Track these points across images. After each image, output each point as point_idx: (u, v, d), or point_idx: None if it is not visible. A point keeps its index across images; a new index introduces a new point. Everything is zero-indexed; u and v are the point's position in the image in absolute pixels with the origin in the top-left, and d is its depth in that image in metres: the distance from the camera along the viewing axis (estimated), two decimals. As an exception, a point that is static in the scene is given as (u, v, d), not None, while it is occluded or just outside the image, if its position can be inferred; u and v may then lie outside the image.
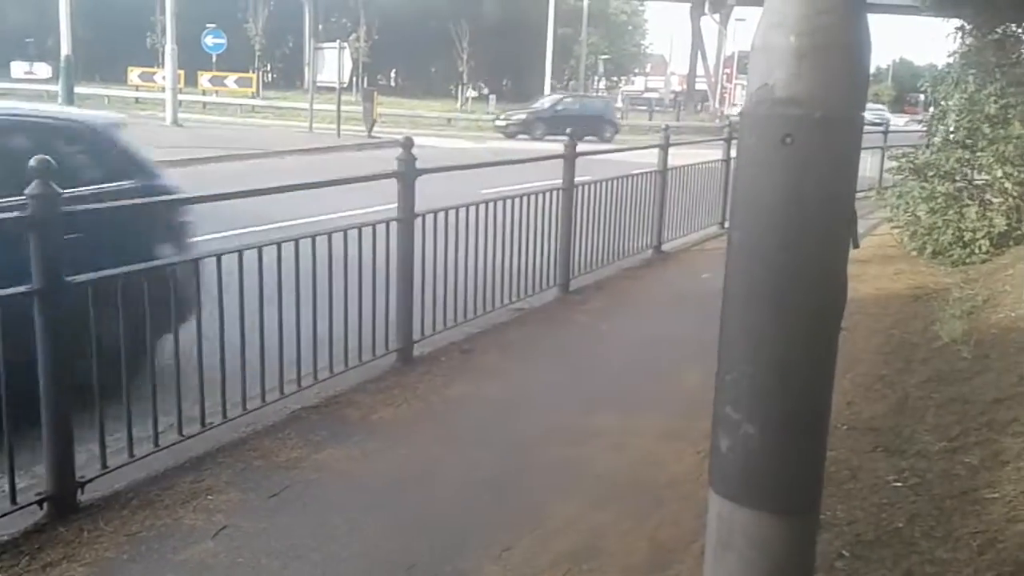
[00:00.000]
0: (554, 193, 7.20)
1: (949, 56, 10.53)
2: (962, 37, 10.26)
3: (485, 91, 52.31)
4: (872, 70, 1.78)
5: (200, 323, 4.07)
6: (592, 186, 7.74)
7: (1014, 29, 9.48)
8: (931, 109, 10.60)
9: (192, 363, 4.07)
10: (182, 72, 27.31)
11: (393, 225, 5.35)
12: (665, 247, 9.44)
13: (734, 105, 47.42)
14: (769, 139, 1.80)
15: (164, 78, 27.43)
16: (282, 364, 4.56)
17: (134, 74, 38.27)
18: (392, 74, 65.84)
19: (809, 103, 1.75)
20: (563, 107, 32.82)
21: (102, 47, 45.82)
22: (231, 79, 36.97)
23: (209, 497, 3.71)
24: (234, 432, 4.32)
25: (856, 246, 1.86)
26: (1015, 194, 8.62)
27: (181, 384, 3.97)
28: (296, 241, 4.63)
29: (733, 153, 9.17)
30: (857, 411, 4.65)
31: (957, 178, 9.00)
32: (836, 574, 2.99)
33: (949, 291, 7.30)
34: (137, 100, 35.22)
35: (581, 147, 7.51)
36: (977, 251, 8.43)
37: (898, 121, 36.80)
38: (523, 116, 32.34)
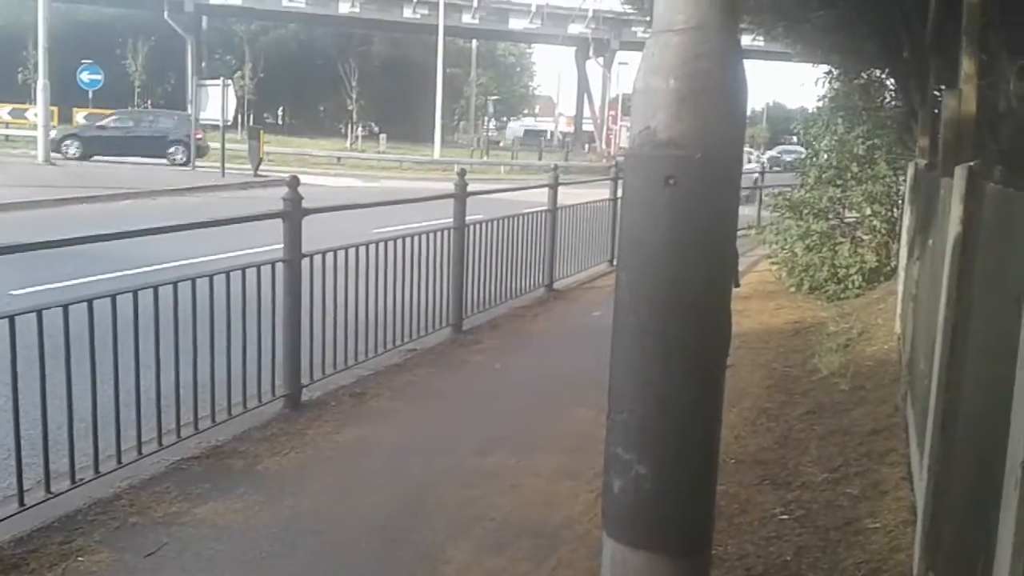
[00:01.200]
0: (445, 232, 7.18)
1: (819, 100, 11.13)
2: (831, 82, 10.87)
3: (376, 130, 52.16)
4: (747, 113, 1.83)
5: (69, 371, 3.83)
6: (484, 225, 7.76)
7: (878, 75, 10.08)
8: (804, 150, 11.15)
9: (62, 414, 3.83)
10: (56, 109, 26.18)
11: (279, 266, 5.21)
12: (557, 285, 9.53)
13: (620, 147, 48.81)
14: (653, 180, 1.81)
15: (36, 115, 26.21)
16: (160, 413, 4.35)
17: (3, 110, 36.51)
18: (280, 112, 64.94)
19: (690, 145, 1.78)
20: (113, 124, 28.58)
21: (-32, 83, 43.63)
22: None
23: (80, 559, 3.47)
24: (108, 487, 4.07)
25: (737, 285, 1.89)
26: (883, 231, 9.11)
27: (48, 437, 3.72)
28: (175, 284, 4.44)
29: (620, 192, 9.36)
30: (744, 444, 4.75)
31: (830, 216, 9.45)
32: (729, 609, 3.01)
33: (826, 325, 7.60)
34: (7, 138, 33.54)
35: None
36: (851, 286, 8.84)
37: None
38: (53, 134, 26.56)
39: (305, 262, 5.36)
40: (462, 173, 7.59)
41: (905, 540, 3.30)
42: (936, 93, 7.16)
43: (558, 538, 3.76)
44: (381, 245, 6.21)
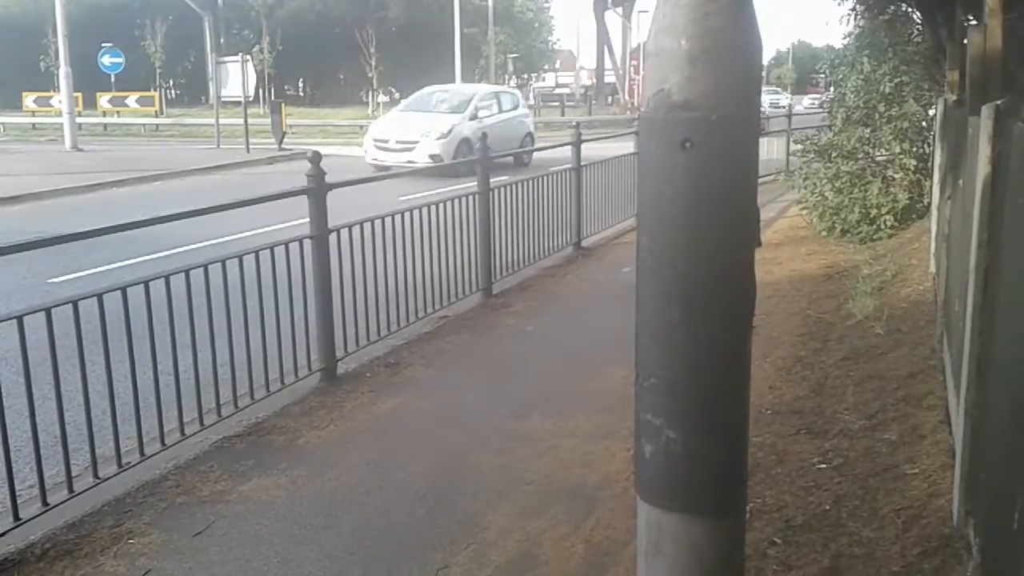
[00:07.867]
0: (470, 197, 7.17)
1: (844, 38, 10.88)
2: (855, 18, 10.59)
3: (397, 96, 51.86)
4: (772, 54, 1.83)
5: (108, 357, 3.90)
6: (508, 187, 7.73)
7: (904, 9, 9.81)
8: (831, 90, 10.91)
9: (104, 399, 3.91)
10: (80, 94, 26.38)
11: (307, 243, 5.25)
12: (585, 243, 9.50)
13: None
14: (668, 144, 1.79)
15: (60, 102, 26.41)
16: (199, 394, 4.43)
17: (29, 99, 36.77)
18: (300, 84, 64.75)
19: (705, 106, 1.75)
20: None
21: (-8, 74, 43.95)
22: (132, 98, 35.73)
23: (130, 541, 3.57)
24: (154, 469, 4.16)
25: (759, 244, 1.87)
26: (914, 169, 8.94)
27: (93, 423, 3.81)
28: (205, 267, 4.50)
29: (644, 146, 9.29)
30: (779, 394, 4.73)
31: (859, 156, 9.28)
32: (768, 562, 3.03)
33: (859, 268, 7.51)
34: (34, 126, 33.85)
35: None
36: (883, 227, 8.71)
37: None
38: None
39: (332, 237, 5.39)
40: (483, 137, 7.56)
41: (944, 485, 3.29)
42: (964, 25, 6.96)
43: (596, 498, 3.80)
44: (407, 215, 6.22)
